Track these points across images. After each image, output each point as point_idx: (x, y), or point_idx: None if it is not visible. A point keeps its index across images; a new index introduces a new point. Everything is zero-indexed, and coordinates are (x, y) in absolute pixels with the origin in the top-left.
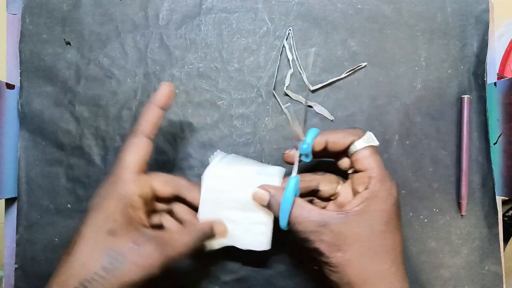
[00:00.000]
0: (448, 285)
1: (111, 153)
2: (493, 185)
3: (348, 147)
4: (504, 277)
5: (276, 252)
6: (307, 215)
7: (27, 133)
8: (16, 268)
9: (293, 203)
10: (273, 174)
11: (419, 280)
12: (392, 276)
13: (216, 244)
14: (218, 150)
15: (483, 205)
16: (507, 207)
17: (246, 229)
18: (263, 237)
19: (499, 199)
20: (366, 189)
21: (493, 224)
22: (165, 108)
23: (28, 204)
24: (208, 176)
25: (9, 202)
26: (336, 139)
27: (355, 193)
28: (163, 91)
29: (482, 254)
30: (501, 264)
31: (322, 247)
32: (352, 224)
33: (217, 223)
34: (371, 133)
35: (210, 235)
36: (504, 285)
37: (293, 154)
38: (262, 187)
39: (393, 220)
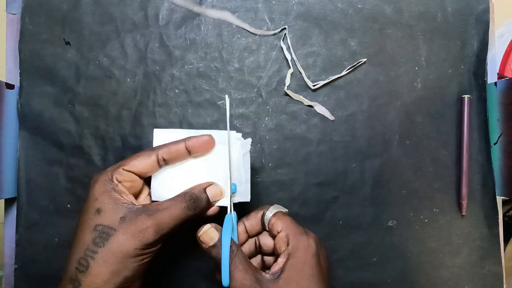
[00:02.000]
0: (449, 285)
1: (111, 153)
2: (494, 185)
3: (263, 221)
4: (504, 277)
5: None
6: (242, 277)
7: (27, 133)
8: (16, 269)
9: (232, 262)
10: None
11: (420, 280)
12: None
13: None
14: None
15: (484, 205)
16: (507, 207)
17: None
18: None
19: (499, 199)
20: (287, 246)
21: (493, 224)
22: (191, 153)
23: (27, 204)
24: (219, 133)
25: (9, 202)
26: (251, 221)
27: (279, 253)
28: (202, 141)
29: (482, 254)
30: (501, 264)
31: None
32: (281, 283)
33: (211, 185)
34: (276, 205)
35: (204, 199)
36: (504, 286)
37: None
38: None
39: (315, 270)
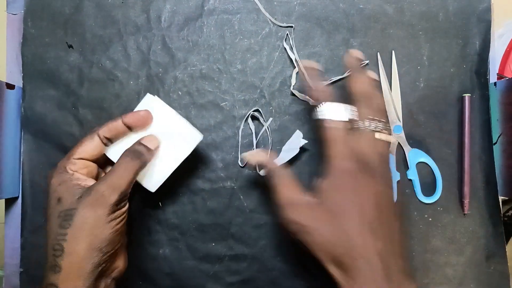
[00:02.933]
0: (453, 284)
1: None
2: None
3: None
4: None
5: (281, 253)
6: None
7: (31, 137)
8: (21, 272)
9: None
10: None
11: (425, 279)
12: (365, 263)
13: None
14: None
15: (488, 203)
16: (507, 207)
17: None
18: (158, 178)
19: (499, 199)
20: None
21: (498, 223)
22: (131, 129)
23: (32, 208)
24: (150, 99)
25: (9, 202)
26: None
27: None
28: (138, 116)
29: (487, 253)
30: (507, 263)
31: (290, 226)
32: (317, 208)
33: (145, 137)
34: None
35: (143, 148)
36: (511, 285)
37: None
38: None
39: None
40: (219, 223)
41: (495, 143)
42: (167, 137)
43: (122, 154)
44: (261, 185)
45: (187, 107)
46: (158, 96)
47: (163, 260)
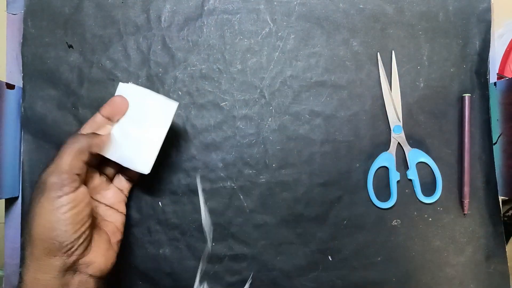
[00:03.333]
0: (453, 284)
1: None
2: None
3: None
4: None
5: (281, 253)
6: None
7: (31, 137)
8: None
9: None
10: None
11: (424, 279)
12: None
13: (105, 153)
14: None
15: (488, 203)
16: (507, 207)
17: (134, 146)
18: (148, 158)
19: (499, 199)
20: None
21: (498, 223)
22: (112, 120)
23: None
24: (124, 86)
25: (9, 202)
26: None
27: None
28: (114, 104)
29: (487, 253)
30: (507, 263)
31: None
32: None
33: (97, 134)
34: None
35: (93, 143)
36: (511, 285)
37: None
38: None
39: None
40: (219, 223)
41: (495, 143)
42: (146, 116)
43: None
44: (261, 185)
45: (187, 107)
46: None
47: (163, 260)
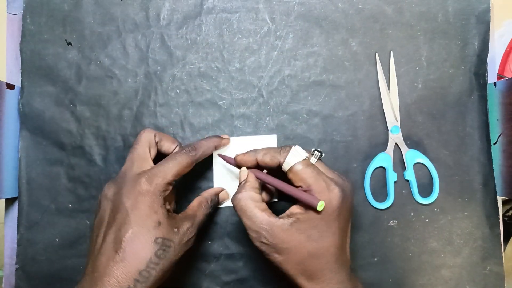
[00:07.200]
0: (450, 285)
1: (112, 153)
2: (495, 185)
3: (280, 166)
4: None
5: None
6: (255, 214)
7: (28, 133)
8: (17, 269)
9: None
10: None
11: (421, 280)
12: (329, 271)
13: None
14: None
15: (485, 205)
16: (507, 207)
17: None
18: None
19: (499, 199)
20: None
21: (494, 224)
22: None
23: (28, 204)
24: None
25: (9, 202)
26: (265, 160)
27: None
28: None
29: (484, 254)
30: (502, 264)
31: (262, 247)
32: (291, 231)
33: (222, 192)
34: (296, 148)
35: (218, 201)
36: (505, 286)
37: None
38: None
39: (332, 227)
40: (216, 222)
41: (495, 143)
42: None
43: (201, 199)
44: None
45: (185, 105)
46: (156, 94)
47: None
